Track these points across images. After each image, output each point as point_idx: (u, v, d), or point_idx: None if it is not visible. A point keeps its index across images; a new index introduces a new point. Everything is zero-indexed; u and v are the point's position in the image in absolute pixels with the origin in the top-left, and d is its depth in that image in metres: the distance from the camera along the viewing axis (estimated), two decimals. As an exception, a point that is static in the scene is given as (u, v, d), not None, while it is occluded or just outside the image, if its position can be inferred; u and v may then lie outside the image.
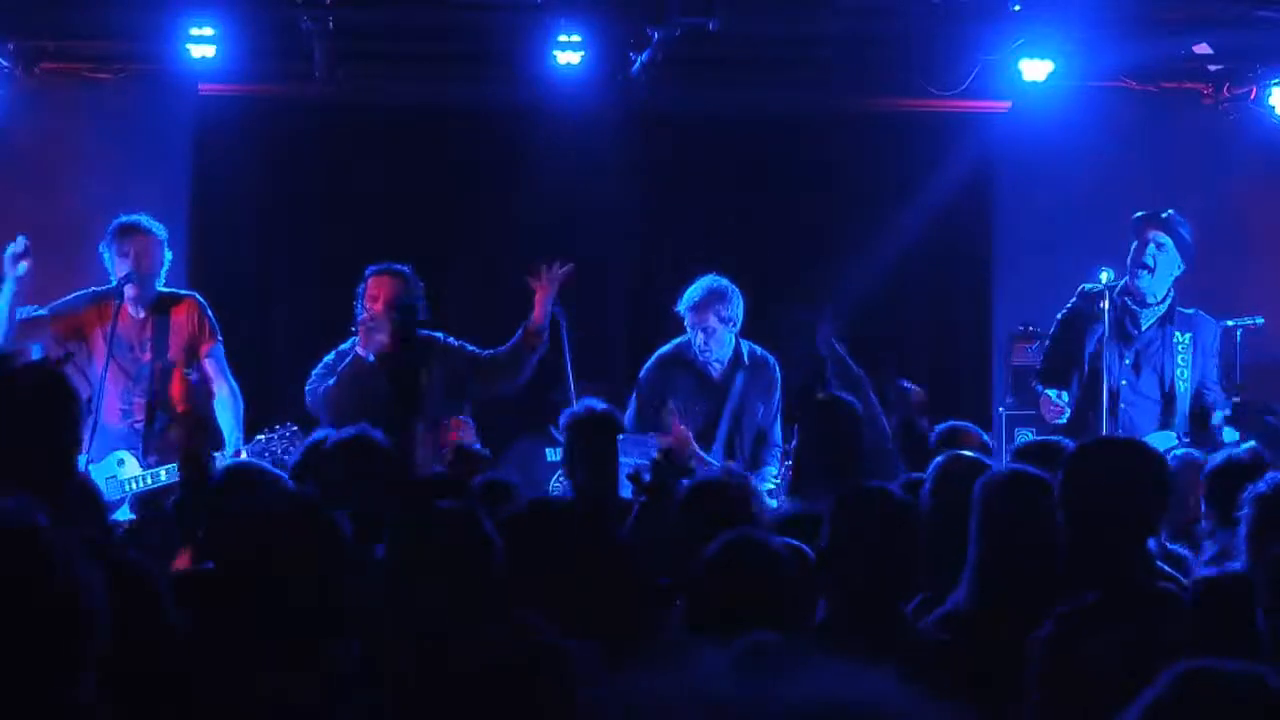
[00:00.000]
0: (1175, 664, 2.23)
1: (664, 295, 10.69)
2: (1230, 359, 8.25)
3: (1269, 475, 4.67)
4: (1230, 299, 8.94)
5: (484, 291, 9.97)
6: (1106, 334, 7.57)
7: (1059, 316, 7.94)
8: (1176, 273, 7.74)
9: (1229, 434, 7.54)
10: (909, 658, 3.58)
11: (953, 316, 10.51)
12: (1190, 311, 7.82)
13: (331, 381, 7.40)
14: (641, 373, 7.90)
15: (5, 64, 9.65)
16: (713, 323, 7.70)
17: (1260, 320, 8.43)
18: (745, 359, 7.80)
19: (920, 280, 10.45)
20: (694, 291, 7.75)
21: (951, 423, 6.82)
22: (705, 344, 7.71)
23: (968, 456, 5.15)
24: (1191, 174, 10.01)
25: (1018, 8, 9.12)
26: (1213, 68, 10.13)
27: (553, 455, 8.75)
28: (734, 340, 7.79)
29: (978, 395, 10.13)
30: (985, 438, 7.00)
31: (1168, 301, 7.74)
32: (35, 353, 7.49)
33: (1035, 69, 9.44)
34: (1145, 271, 7.68)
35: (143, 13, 9.03)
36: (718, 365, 7.75)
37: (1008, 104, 10.15)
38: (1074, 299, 7.87)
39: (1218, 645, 3.31)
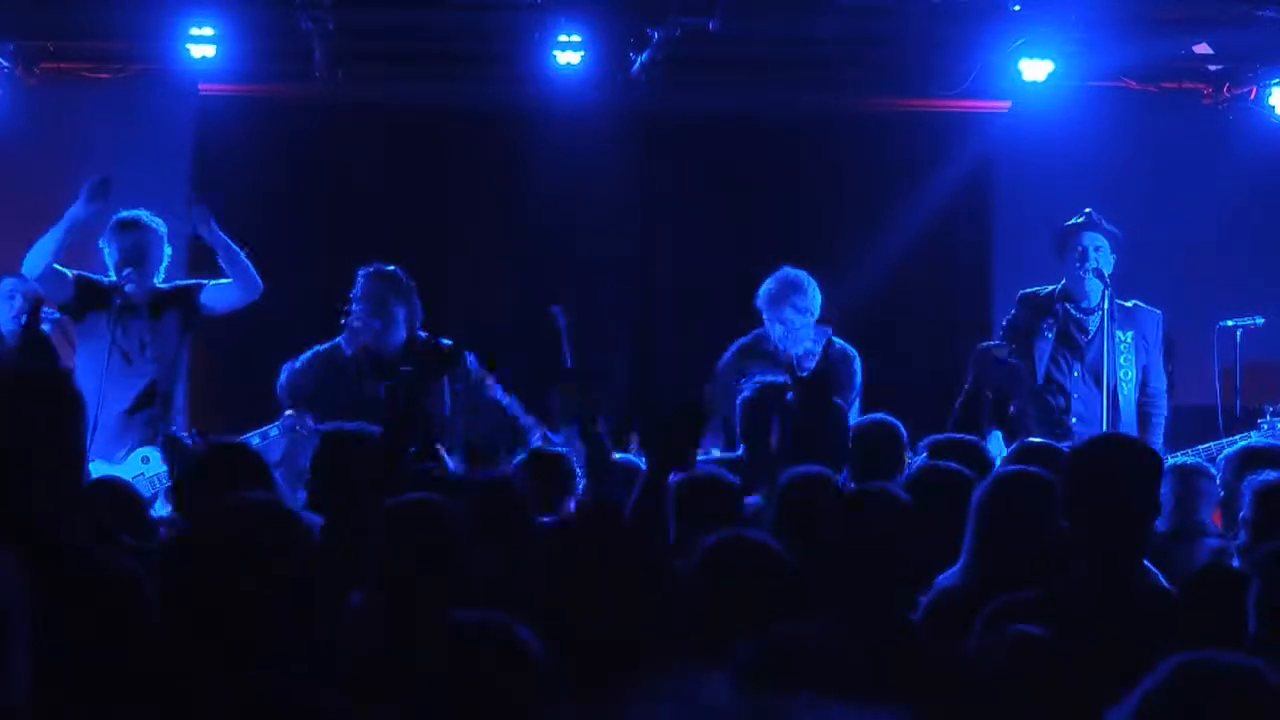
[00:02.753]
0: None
1: (663, 294, 10.66)
2: (1229, 360, 8.26)
3: (1273, 473, 4.67)
4: (1229, 299, 8.93)
5: (484, 291, 9.97)
6: (1053, 347, 7.67)
7: (1004, 324, 7.96)
8: (1110, 269, 7.78)
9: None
10: (910, 662, 3.57)
11: (953, 316, 10.50)
12: (1130, 305, 7.83)
13: (302, 362, 7.45)
14: (719, 363, 7.86)
15: (5, 64, 9.65)
16: (789, 314, 7.67)
17: (1260, 320, 8.42)
18: (826, 353, 7.74)
19: (920, 280, 10.44)
20: (770, 284, 7.74)
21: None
22: (784, 336, 7.68)
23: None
24: (1191, 174, 10.01)
25: (1018, 8, 9.12)
26: (1213, 68, 10.12)
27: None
28: (813, 332, 7.73)
29: (978, 395, 10.11)
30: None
31: (1106, 298, 7.71)
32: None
33: (1035, 69, 9.44)
34: (1091, 275, 7.72)
35: (143, 13, 9.03)
36: (808, 360, 7.65)
37: (1007, 104, 10.14)
38: (1015, 307, 7.93)
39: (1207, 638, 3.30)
